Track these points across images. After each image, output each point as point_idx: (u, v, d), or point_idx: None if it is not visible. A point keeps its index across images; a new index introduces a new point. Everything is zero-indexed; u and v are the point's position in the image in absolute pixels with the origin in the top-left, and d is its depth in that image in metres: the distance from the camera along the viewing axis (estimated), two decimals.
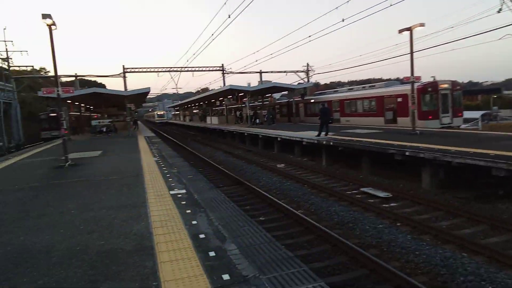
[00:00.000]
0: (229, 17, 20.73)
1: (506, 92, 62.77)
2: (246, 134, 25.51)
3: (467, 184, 10.15)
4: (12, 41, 41.60)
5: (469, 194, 9.71)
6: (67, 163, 11.52)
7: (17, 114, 33.52)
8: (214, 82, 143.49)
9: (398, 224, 7.94)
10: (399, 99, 22.26)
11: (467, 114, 31.66)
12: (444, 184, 10.47)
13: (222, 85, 40.73)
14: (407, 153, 11.08)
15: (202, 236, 4.62)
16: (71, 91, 13.98)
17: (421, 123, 19.66)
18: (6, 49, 31.86)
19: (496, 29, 19.58)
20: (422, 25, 15.50)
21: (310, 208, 9.58)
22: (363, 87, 28.33)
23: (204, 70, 41.37)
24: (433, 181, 10.61)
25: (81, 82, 40.67)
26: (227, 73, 42.01)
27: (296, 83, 39.00)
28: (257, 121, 31.98)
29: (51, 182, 8.82)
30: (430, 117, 20.58)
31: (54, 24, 11.41)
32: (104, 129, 28.91)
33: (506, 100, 54.17)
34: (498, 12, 19.99)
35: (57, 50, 11.73)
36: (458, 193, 9.87)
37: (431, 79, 21.90)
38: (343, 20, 20.63)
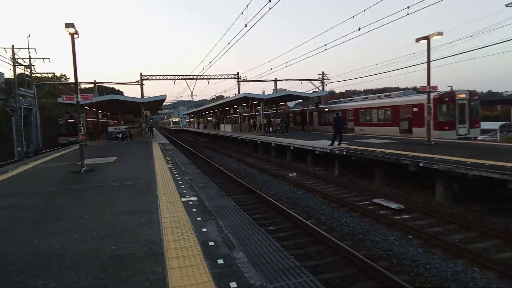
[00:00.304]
0: (245, 26, 21.05)
1: None
2: (259, 142, 25.61)
3: (482, 197, 9.95)
4: (35, 49, 43.06)
5: (483, 207, 9.53)
6: (83, 168, 11.81)
7: (36, 120, 34.51)
8: (229, 90, 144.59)
9: (410, 236, 7.84)
10: (415, 109, 22.01)
11: (485, 125, 31.04)
12: (458, 197, 10.30)
13: (237, 93, 41.13)
14: (421, 164, 10.95)
15: (211, 243, 4.69)
16: (90, 98, 14.29)
17: (437, 133, 19.40)
18: (29, 56, 32.94)
19: None
20: (440, 34, 15.35)
21: (321, 218, 9.55)
22: (378, 96, 28.15)
23: (220, 78, 41.89)
24: (447, 193, 10.44)
25: (99, 89, 41.68)
26: (242, 81, 42.39)
27: (311, 92, 39.07)
28: (271, 129, 32.06)
29: (66, 187, 9.07)
30: (446, 127, 20.27)
31: (76, 33, 11.80)
32: (120, 136, 29.44)
33: None
34: None
35: (78, 57, 12.11)
36: (473, 206, 9.69)
37: (448, 89, 21.63)
38: (359, 29, 20.69)
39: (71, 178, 10.58)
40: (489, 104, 57.95)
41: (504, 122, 40.36)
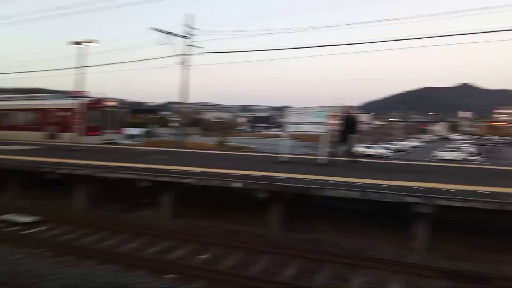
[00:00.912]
0: None
1: (163, 113, 76.34)
2: None
3: (121, 196, 10.90)
4: None
5: (119, 206, 10.49)
6: None
7: None
8: None
9: (41, 250, 7.31)
10: (64, 113, 21.63)
11: (133, 131, 35.37)
12: (99, 199, 10.75)
13: None
14: (61, 171, 10.64)
15: None
16: None
17: (86, 138, 19.71)
18: None
19: (157, 58, 24.25)
20: (93, 41, 15.50)
21: None
22: (26, 98, 25.93)
23: None
24: (88, 197, 10.66)
25: None
26: None
27: None
28: None
29: None
30: (94, 132, 21.10)
31: None
32: None
33: (164, 119, 65.70)
34: (160, 44, 25.20)
35: None
36: (110, 206, 10.44)
37: (101, 96, 22.93)
38: (6, 19, 17.57)
39: None
40: (137, 112, 66.71)
41: (147, 129, 48.18)
